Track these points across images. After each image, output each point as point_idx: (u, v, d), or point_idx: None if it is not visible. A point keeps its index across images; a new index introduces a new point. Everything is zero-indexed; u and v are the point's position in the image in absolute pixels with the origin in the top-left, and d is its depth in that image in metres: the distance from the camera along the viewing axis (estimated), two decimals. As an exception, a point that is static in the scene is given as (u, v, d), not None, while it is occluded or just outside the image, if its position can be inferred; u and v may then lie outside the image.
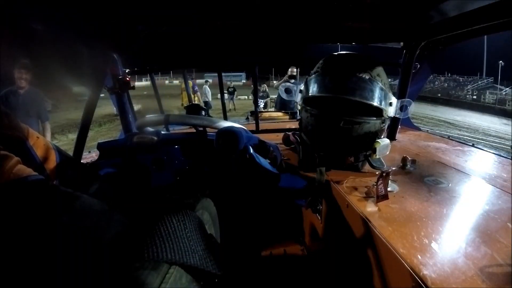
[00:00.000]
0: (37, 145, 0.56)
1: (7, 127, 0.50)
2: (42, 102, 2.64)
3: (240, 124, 1.13)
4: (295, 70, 4.34)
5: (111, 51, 1.33)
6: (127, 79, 1.39)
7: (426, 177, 0.97)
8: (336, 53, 1.09)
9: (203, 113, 1.14)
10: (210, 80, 10.41)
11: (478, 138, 8.05)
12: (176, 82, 28.19)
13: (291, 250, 1.16)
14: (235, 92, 9.97)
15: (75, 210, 0.39)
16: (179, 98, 10.35)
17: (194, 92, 7.31)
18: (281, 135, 1.38)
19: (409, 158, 1.06)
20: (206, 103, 9.32)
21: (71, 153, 1.03)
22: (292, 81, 4.50)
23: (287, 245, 1.17)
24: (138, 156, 1.01)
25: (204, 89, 9.61)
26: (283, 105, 4.41)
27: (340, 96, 0.98)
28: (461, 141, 1.56)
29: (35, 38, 0.92)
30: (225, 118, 1.73)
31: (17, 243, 0.34)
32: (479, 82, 22.93)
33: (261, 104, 6.87)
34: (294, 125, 1.59)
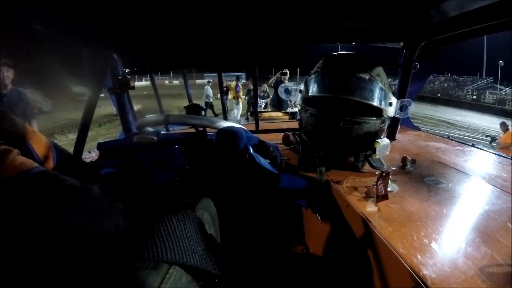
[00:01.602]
0: (34, 139, 0.55)
1: (5, 121, 0.50)
2: (27, 101, 2.67)
3: (240, 124, 1.13)
4: (286, 69, 4.95)
5: (111, 51, 1.33)
6: (127, 79, 1.39)
7: (426, 177, 0.97)
8: (336, 53, 1.09)
9: (203, 113, 1.14)
10: (211, 80, 10.39)
11: (478, 138, 8.05)
12: (176, 82, 28.17)
13: (291, 250, 1.16)
14: (229, 91, 9.99)
15: (80, 204, 0.39)
16: (179, 98, 10.34)
17: (237, 92, 7.92)
18: (281, 135, 1.37)
19: (409, 158, 1.06)
20: (207, 104, 9.32)
21: (71, 153, 1.03)
22: (287, 81, 4.85)
23: (287, 245, 1.17)
24: (138, 156, 1.01)
25: (206, 89, 9.58)
26: (279, 103, 4.76)
27: (340, 96, 0.98)
28: (461, 141, 1.56)
29: (35, 38, 0.92)
30: (225, 118, 1.73)
31: (23, 240, 0.34)
32: (479, 82, 22.93)
33: (262, 104, 6.89)
34: (294, 125, 1.59)
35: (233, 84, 8.30)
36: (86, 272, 0.35)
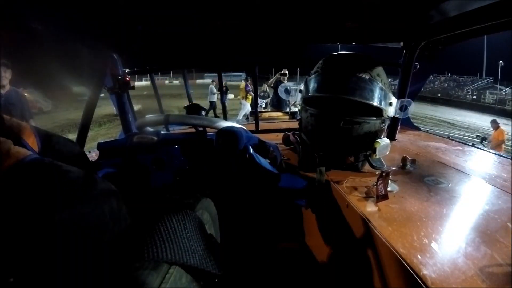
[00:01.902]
0: (28, 136, 0.55)
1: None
2: (25, 101, 2.68)
3: (240, 124, 1.13)
4: (286, 69, 5.07)
5: (111, 51, 1.33)
6: (127, 79, 1.39)
7: (426, 177, 0.97)
8: (336, 53, 1.09)
9: (203, 113, 1.14)
10: (215, 80, 10.45)
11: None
12: (176, 82, 28.17)
13: (291, 250, 1.16)
14: (228, 91, 10.00)
15: (78, 191, 0.38)
16: (179, 98, 10.36)
17: (247, 92, 8.02)
18: (281, 135, 1.37)
19: (409, 158, 1.06)
20: (212, 103, 9.36)
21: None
22: (286, 81, 4.96)
23: (287, 245, 1.17)
24: (138, 156, 1.01)
25: (211, 89, 9.60)
26: (278, 103, 4.84)
27: (340, 96, 0.98)
28: (461, 141, 1.56)
29: (35, 38, 0.92)
30: (225, 118, 1.73)
31: (22, 234, 0.33)
32: (479, 82, 22.95)
33: (262, 104, 6.91)
34: (294, 125, 1.59)
35: (242, 84, 8.53)
36: (86, 272, 0.35)
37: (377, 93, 0.99)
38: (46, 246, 0.34)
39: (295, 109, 2.86)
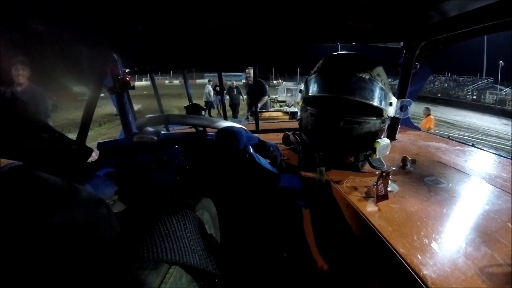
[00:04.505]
0: None
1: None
2: (42, 99, 2.63)
3: (240, 124, 1.13)
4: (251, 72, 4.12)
5: (111, 51, 1.34)
6: (127, 79, 1.39)
7: (426, 177, 0.97)
8: (336, 53, 1.09)
9: (203, 113, 1.14)
10: (211, 79, 10.45)
11: (478, 138, 8.05)
12: (176, 82, 28.21)
13: (291, 250, 1.16)
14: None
15: (71, 206, 0.37)
16: (179, 98, 10.39)
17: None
18: (281, 135, 1.37)
19: (409, 158, 1.06)
20: (207, 103, 9.36)
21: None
22: (251, 79, 4.91)
23: (287, 245, 1.17)
24: (138, 156, 1.01)
25: (206, 88, 9.63)
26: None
27: (340, 96, 0.98)
28: (461, 141, 1.56)
29: (36, 37, 0.92)
30: (225, 118, 1.73)
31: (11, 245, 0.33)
32: (479, 82, 22.95)
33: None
34: (294, 125, 1.59)
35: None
36: (86, 273, 0.35)
37: (377, 93, 0.99)
38: (34, 248, 0.33)
39: (295, 109, 2.86)
